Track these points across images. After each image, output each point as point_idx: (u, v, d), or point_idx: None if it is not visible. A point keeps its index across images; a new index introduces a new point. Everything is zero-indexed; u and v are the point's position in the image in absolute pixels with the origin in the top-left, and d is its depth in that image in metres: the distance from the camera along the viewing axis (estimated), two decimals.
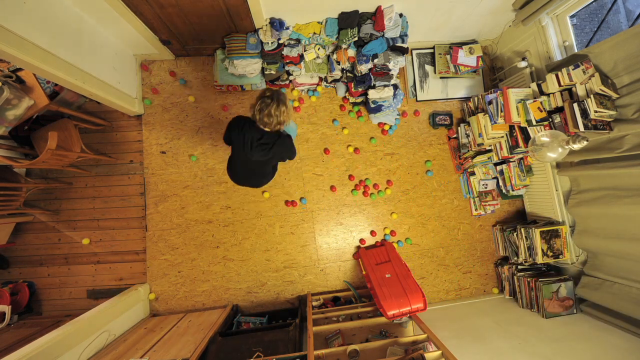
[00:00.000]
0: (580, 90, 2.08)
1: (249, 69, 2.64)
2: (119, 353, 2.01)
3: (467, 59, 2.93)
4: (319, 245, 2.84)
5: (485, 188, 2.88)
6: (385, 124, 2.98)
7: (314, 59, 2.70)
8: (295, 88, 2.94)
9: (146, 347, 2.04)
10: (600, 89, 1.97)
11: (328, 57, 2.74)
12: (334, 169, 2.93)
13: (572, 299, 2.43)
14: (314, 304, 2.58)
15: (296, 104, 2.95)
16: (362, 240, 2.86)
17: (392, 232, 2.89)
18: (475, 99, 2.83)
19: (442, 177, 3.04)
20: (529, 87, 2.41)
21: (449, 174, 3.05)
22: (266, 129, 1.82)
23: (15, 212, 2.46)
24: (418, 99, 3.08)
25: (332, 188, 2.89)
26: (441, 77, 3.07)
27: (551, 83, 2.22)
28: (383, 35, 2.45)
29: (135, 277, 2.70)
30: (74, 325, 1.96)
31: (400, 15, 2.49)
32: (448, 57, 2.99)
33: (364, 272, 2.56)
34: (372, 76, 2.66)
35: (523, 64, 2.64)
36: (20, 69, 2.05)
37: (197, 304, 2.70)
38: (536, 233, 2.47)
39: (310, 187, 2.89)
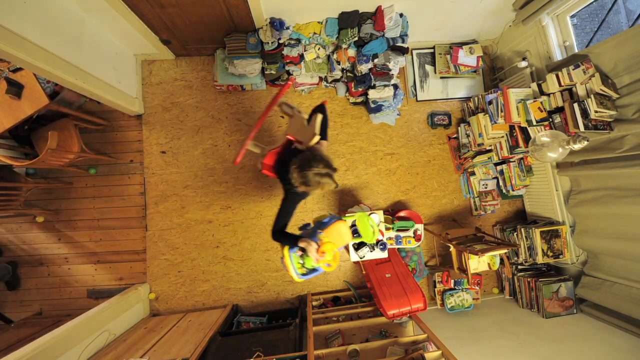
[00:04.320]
0: (580, 90, 2.08)
1: (249, 69, 2.64)
2: (119, 353, 2.01)
3: (467, 59, 2.93)
4: None
5: (486, 188, 2.87)
6: None
7: (314, 58, 2.70)
8: (296, 89, 2.94)
9: (146, 347, 2.04)
10: (600, 89, 1.97)
11: (328, 57, 2.74)
12: None
13: (572, 299, 2.43)
14: (314, 303, 2.58)
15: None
16: None
17: None
18: (476, 98, 2.83)
19: (442, 177, 3.04)
20: (529, 87, 2.41)
21: (449, 174, 3.05)
22: None
23: (15, 211, 2.46)
24: (418, 99, 3.08)
25: None
26: (441, 77, 3.07)
27: (551, 83, 2.22)
28: (383, 35, 2.45)
29: (135, 277, 2.70)
30: (74, 325, 1.96)
31: (401, 15, 2.49)
32: (448, 57, 2.99)
33: (364, 272, 2.56)
34: (372, 76, 2.66)
35: (523, 64, 2.64)
36: (20, 69, 2.04)
37: (197, 303, 2.69)
38: (536, 233, 2.47)
39: None
